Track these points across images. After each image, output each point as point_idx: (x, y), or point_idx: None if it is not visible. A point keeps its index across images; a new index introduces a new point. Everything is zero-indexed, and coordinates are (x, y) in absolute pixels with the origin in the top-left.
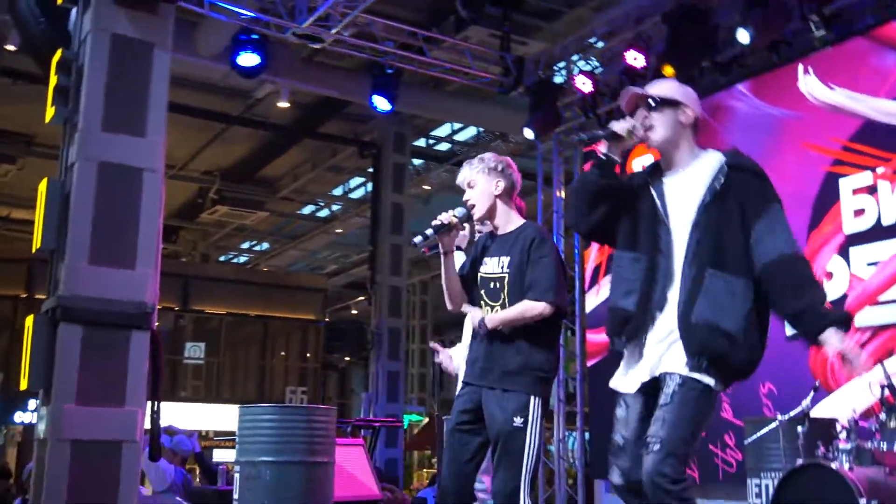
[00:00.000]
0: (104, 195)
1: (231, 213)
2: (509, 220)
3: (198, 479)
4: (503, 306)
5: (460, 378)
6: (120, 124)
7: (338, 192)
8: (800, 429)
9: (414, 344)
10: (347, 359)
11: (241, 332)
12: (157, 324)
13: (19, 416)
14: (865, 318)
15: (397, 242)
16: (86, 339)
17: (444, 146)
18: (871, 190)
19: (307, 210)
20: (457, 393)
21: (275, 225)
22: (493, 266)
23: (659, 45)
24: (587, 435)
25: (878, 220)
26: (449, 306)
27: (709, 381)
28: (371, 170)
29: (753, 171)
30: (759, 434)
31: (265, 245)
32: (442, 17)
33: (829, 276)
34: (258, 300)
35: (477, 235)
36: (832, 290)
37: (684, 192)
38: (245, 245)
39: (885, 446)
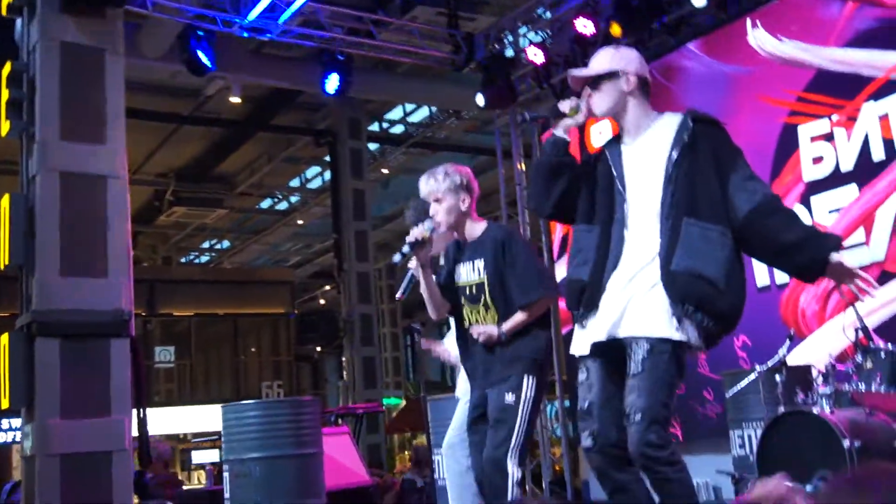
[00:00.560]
0: (69, 205)
1: (189, 213)
2: (474, 228)
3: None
4: (486, 308)
5: (460, 367)
6: (78, 133)
7: (295, 183)
8: (778, 377)
9: (385, 328)
10: (319, 349)
11: (210, 331)
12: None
13: None
14: None
15: (361, 228)
16: (64, 352)
17: (398, 128)
18: (828, 137)
19: (266, 204)
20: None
21: (235, 221)
22: (468, 272)
23: (607, 11)
24: (567, 403)
25: (837, 166)
26: (433, 316)
27: (681, 337)
28: (328, 158)
29: (717, 124)
30: (739, 386)
31: (226, 243)
32: (387, 0)
33: None
34: (225, 298)
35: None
36: None
37: (646, 156)
38: (206, 244)
39: (862, 387)
